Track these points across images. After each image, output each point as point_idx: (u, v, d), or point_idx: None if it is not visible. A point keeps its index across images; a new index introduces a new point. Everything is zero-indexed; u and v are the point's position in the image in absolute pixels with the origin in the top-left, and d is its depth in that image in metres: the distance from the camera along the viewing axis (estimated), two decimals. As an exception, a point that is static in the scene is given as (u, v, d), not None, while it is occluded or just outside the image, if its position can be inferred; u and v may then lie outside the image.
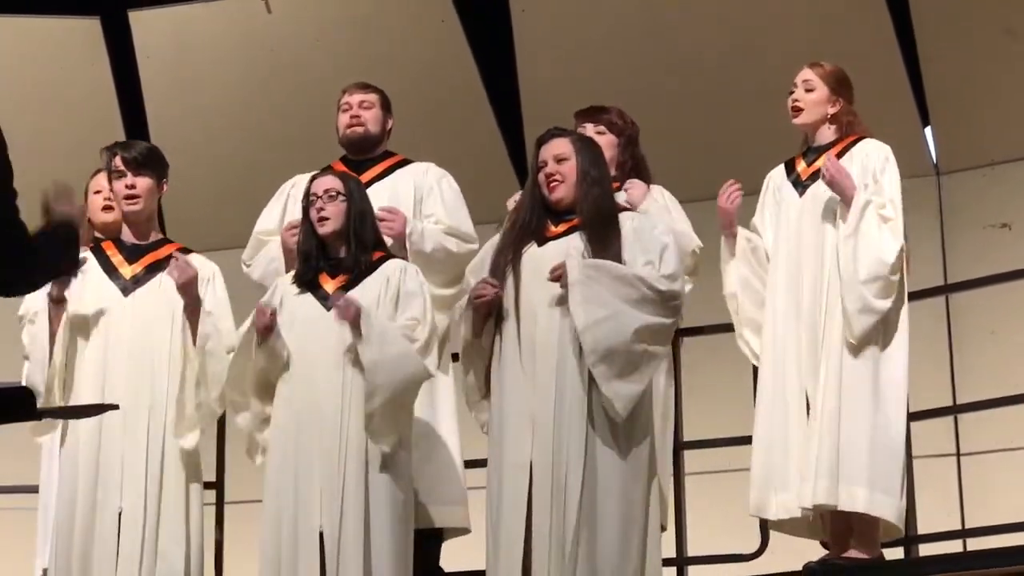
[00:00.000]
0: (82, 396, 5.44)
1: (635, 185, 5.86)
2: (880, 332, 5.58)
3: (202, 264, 5.65)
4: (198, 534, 5.47)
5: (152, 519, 5.37)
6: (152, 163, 5.64)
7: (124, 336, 5.49)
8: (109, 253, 5.65)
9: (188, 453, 5.46)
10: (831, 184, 5.57)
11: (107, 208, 6.07)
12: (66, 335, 5.50)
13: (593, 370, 5.01)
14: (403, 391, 5.22)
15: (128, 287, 5.56)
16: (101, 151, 5.83)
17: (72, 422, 5.45)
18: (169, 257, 5.60)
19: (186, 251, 5.68)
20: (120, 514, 5.37)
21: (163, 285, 5.53)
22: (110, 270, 5.60)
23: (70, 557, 5.38)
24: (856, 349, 5.54)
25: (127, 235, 5.67)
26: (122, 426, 5.42)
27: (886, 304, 5.52)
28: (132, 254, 5.63)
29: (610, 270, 5.07)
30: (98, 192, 6.11)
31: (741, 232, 5.79)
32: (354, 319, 5.19)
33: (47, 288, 5.50)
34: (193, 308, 5.50)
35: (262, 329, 5.26)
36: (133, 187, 5.60)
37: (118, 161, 5.62)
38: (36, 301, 5.61)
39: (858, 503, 5.47)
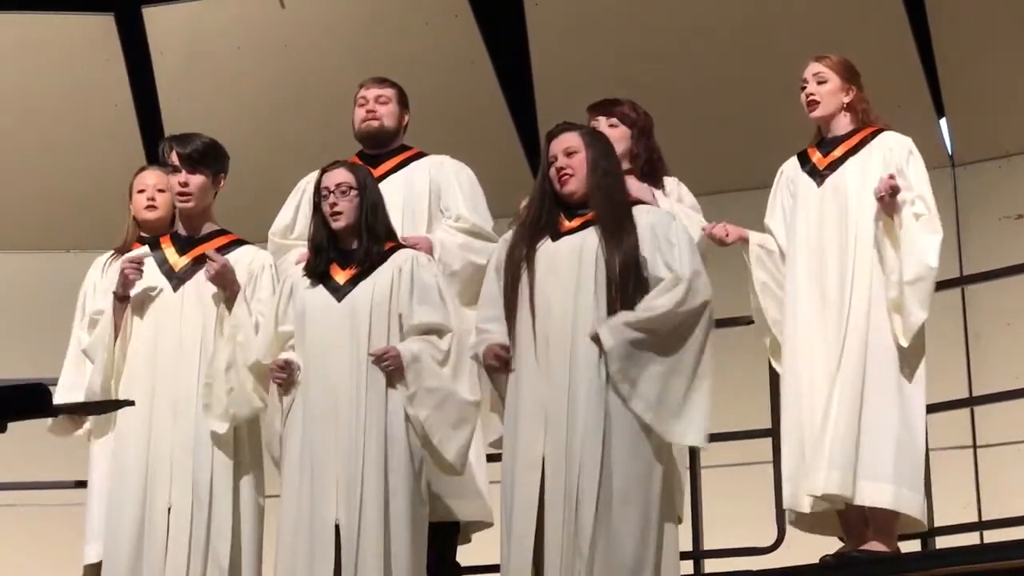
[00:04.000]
0: (133, 391, 5.44)
1: (640, 190, 5.82)
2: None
3: (253, 256, 5.64)
4: (249, 529, 5.45)
5: (200, 514, 5.36)
6: (207, 159, 5.60)
7: (173, 330, 5.49)
8: (164, 246, 5.65)
9: (224, 440, 5.41)
10: (884, 202, 5.53)
11: (150, 207, 6.07)
12: (128, 336, 5.51)
13: (654, 425, 5.03)
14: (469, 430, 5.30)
15: (177, 281, 5.56)
16: (160, 143, 5.83)
17: (123, 418, 5.45)
18: (219, 250, 5.58)
19: (241, 243, 5.66)
20: (169, 509, 5.37)
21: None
22: (162, 263, 5.61)
23: (121, 553, 5.37)
24: (878, 343, 5.53)
25: (181, 229, 5.67)
26: (171, 422, 5.42)
27: (925, 314, 5.51)
28: (184, 247, 5.62)
29: (639, 341, 5.04)
30: (142, 191, 6.11)
31: (753, 238, 5.78)
32: (396, 371, 5.22)
33: (113, 287, 5.53)
34: (232, 297, 5.47)
35: (283, 386, 5.30)
36: (186, 184, 5.58)
37: (173, 156, 5.61)
38: (102, 301, 5.63)
39: (885, 499, 5.46)
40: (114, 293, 5.55)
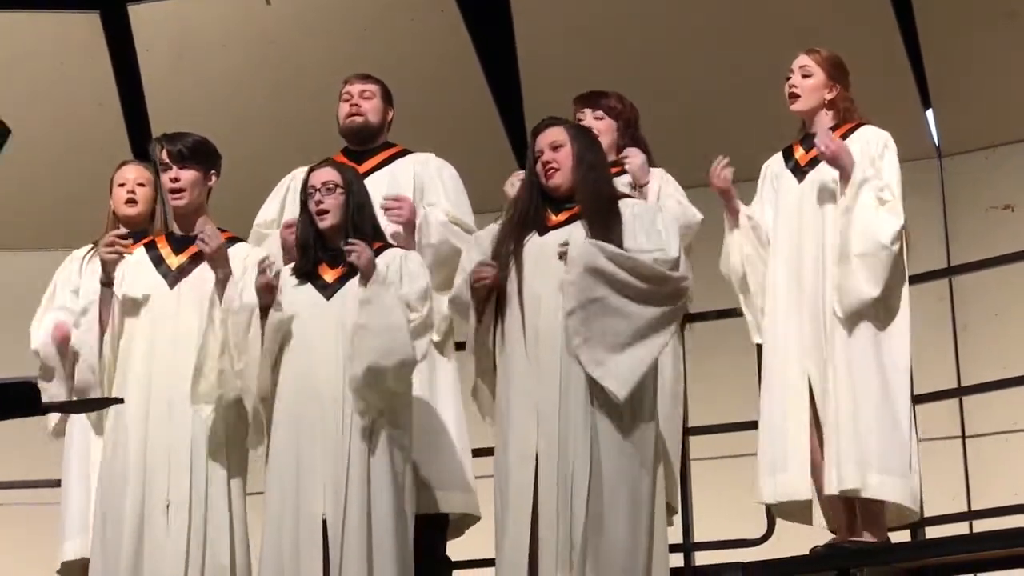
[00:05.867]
0: (128, 388, 5.44)
1: (633, 154, 5.83)
2: (881, 315, 5.59)
3: (248, 252, 5.62)
4: (241, 523, 5.45)
5: (198, 510, 5.36)
6: (198, 156, 5.59)
7: (169, 327, 5.48)
8: (159, 244, 5.64)
9: (217, 436, 5.40)
10: (831, 160, 5.56)
11: (130, 202, 6.08)
12: (118, 328, 5.50)
13: (579, 354, 5.00)
14: (384, 368, 5.16)
15: (173, 279, 5.55)
16: (150, 143, 5.82)
17: (120, 416, 5.45)
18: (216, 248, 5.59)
19: (235, 240, 5.66)
20: (168, 506, 5.36)
21: (206, 275, 5.50)
22: (158, 261, 5.59)
23: (121, 550, 5.36)
24: (858, 333, 5.54)
25: (175, 227, 5.66)
26: (168, 418, 5.41)
27: (874, 291, 5.50)
28: (179, 245, 5.61)
29: (613, 260, 5.04)
30: (122, 185, 6.12)
31: (742, 209, 5.80)
32: (366, 266, 5.19)
33: (100, 276, 5.53)
34: (223, 280, 5.45)
35: (263, 286, 5.25)
36: (177, 180, 5.56)
37: (164, 154, 5.60)
38: (91, 294, 5.63)
39: (870, 489, 5.48)
40: (100, 281, 5.54)
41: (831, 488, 5.49)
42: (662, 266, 5.09)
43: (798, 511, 5.70)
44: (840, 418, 5.50)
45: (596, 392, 5.04)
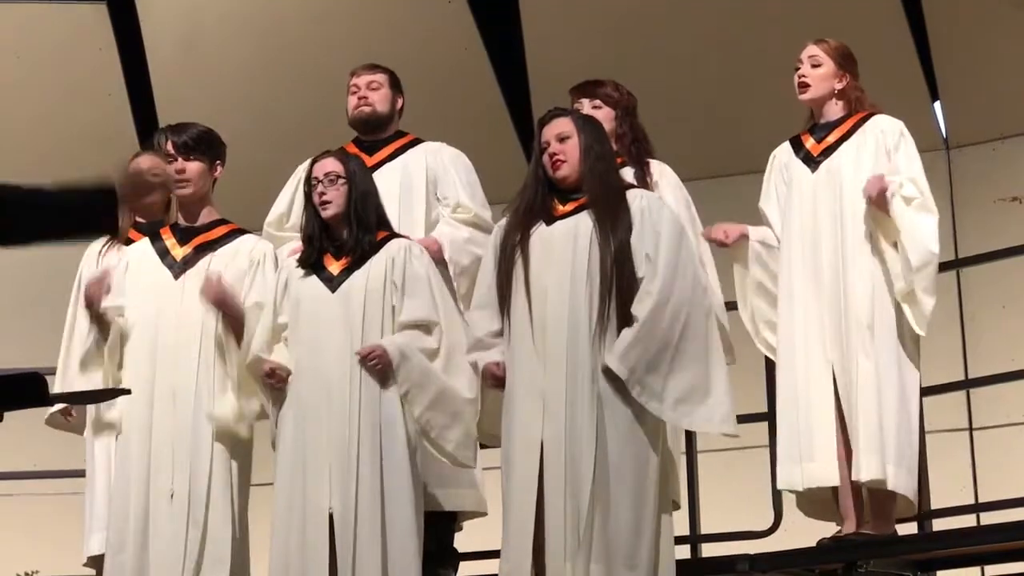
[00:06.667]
0: (134, 378, 5.45)
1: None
2: (898, 312, 5.58)
3: (254, 245, 5.64)
4: (243, 517, 5.47)
5: (198, 500, 5.37)
6: (203, 147, 5.62)
7: (173, 318, 5.50)
8: (164, 236, 5.66)
9: (229, 432, 5.44)
10: (874, 202, 5.53)
11: None
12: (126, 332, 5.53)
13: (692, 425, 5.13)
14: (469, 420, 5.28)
15: (178, 270, 5.57)
16: (155, 133, 5.82)
17: (126, 406, 5.45)
18: (220, 239, 5.59)
19: (240, 232, 5.66)
20: (172, 496, 5.38)
21: (212, 266, 5.51)
22: (163, 253, 5.61)
23: (126, 540, 5.39)
24: (882, 329, 5.53)
25: (180, 219, 5.68)
26: (172, 408, 5.43)
27: (933, 299, 5.52)
28: (184, 236, 5.63)
29: (650, 352, 5.04)
30: None
31: (752, 234, 5.77)
32: (385, 369, 5.22)
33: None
34: (233, 319, 5.47)
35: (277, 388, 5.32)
36: (183, 171, 5.58)
37: (169, 146, 5.62)
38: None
39: (887, 479, 5.47)
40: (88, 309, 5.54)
41: (859, 475, 5.47)
42: (656, 291, 5.05)
43: (822, 509, 5.69)
44: (866, 406, 5.47)
45: (602, 383, 5.05)
